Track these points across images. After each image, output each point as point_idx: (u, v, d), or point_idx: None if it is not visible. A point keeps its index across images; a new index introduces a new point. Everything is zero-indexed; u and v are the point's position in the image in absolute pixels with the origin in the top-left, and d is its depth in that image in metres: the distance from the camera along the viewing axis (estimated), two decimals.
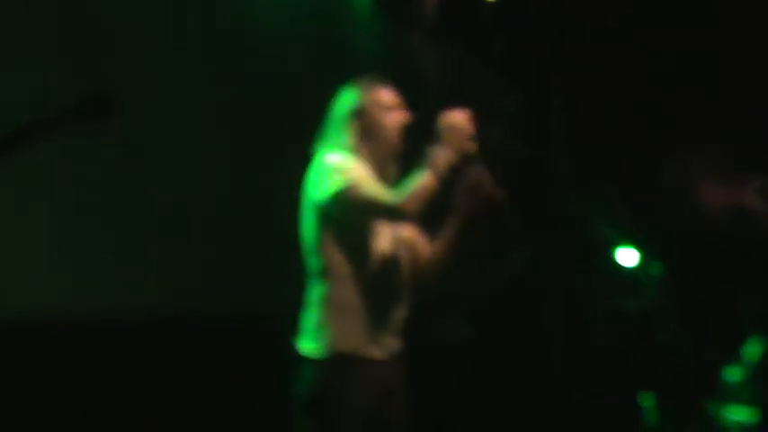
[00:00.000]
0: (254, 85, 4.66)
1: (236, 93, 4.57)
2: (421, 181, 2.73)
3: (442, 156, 2.76)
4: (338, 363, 2.80)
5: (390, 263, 2.90)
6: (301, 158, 2.95)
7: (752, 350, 4.97)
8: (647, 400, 5.28)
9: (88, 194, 3.95)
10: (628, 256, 5.83)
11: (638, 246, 5.85)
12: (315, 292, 2.88)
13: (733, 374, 4.99)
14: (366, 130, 2.92)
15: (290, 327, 2.92)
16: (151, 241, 4.17)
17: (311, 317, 2.87)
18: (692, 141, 5.86)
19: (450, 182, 2.85)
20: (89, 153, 3.73)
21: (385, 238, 2.90)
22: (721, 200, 5.85)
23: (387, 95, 2.97)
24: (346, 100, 2.98)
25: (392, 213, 2.80)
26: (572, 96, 5.77)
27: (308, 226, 2.89)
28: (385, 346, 2.87)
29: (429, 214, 2.85)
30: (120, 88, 2.54)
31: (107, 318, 3.87)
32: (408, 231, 3.01)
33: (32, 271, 3.71)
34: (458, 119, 2.81)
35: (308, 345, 2.86)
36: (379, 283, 2.86)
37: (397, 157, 2.96)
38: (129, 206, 4.08)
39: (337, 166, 2.81)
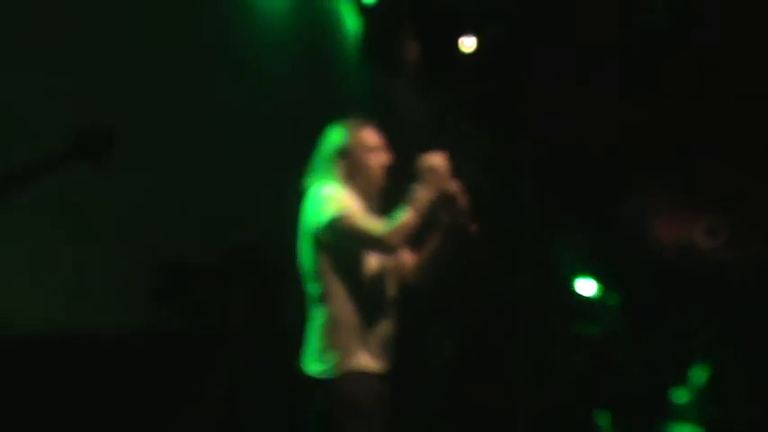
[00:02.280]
0: (250, 124, 4.91)
1: (230, 130, 4.77)
2: (404, 217, 2.88)
3: (422, 194, 2.92)
4: (348, 380, 2.91)
5: (379, 283, 3.05)
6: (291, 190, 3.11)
7: (698, 374, 5.28)
8: (603, 419, 5.55)
9: None
10: (587, 286, 6.09)
11: (598, 276, 6.09)
12: (316, 316, 3.00)
13: (681, 396, 5.30)
14: (352, 168, 3.06)
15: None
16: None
17: (315, 340, 2.99)
18: (650, 179, 6.09)
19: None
20: None
21: (374, 260, 3.03)
22: (672, 236, 6.07)
23: (371, 136, 3.10)
24: (334, 138, 3.10)
25: (378, 244, 2.93)
26: (539, 135, 6.04)
27: (306, 254, 3.02)
28: (381, 360, 3.01)
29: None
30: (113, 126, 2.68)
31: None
32: None
33: None
34: (437, 161, 2.97)
35: (316, 367, 2.97)
36: (372, 303, 3.00)
37: (379, 195, 3.10)
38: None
39: (332, 196, 2.95)
